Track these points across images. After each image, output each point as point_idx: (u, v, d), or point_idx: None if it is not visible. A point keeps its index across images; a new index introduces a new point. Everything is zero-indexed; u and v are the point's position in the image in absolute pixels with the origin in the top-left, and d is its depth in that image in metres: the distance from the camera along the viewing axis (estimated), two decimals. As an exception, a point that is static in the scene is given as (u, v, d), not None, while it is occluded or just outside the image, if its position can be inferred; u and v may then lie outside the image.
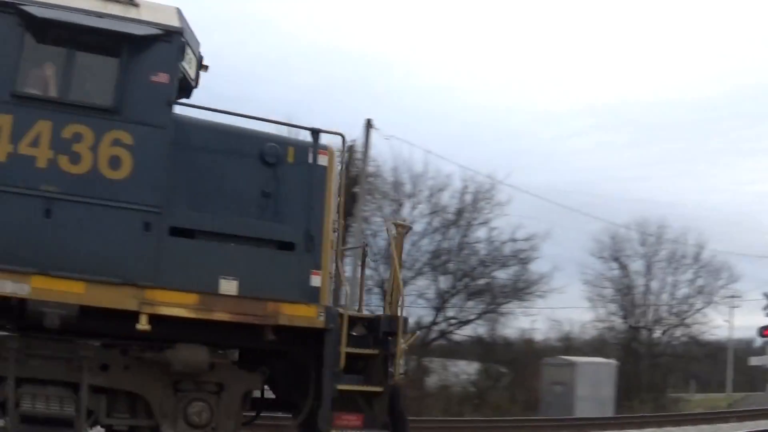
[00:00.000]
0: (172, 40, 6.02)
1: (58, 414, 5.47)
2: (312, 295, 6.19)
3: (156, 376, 5.89)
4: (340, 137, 6.75)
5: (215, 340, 6.06)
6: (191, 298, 5.75)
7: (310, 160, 6.60)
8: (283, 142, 6.63)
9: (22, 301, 5.39)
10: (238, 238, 6.04)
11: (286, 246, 6.20)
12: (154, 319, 5.66)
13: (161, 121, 5.89)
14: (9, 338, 5.52)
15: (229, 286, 5.88)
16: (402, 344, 6.56)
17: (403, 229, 7.18)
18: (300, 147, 6.66)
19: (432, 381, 22.74)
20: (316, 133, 6.49)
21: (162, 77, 5.94)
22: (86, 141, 5.66)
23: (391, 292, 6.97)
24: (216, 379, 6.06)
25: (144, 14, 6.10)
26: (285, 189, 6.46)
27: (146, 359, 5.86)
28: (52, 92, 5.75)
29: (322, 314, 6.14)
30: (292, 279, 6.14)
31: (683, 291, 30.65)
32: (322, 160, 6.67)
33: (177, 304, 5.69)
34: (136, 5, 6.21)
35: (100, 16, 5.84)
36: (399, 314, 6.71)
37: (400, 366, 6.56)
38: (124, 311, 5.58)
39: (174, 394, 5.95)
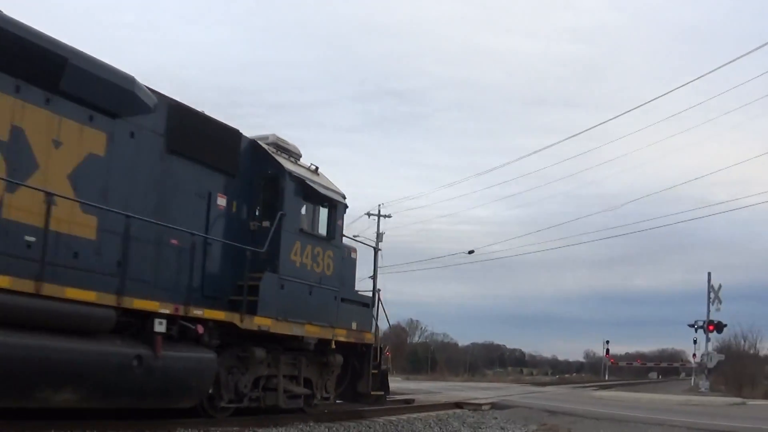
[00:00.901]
0: (344, 201, 11.90)
1: (303, 392, 10.94)
2: (371, 327, 12.92)
3: (318, 369, 11.70)
4: (376, 249, 13.41)
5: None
6: (344, 332, 11.84)
7: (352, 256, 13.20)
8: (347, 247, 12.99)
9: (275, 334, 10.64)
10: (354, 301, 12.31)
11: (366, 305, 12.74)
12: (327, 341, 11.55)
13: (340, 245, 11.79)
14: (282, 354, 10.65)
15: (354, 325, 12.17)
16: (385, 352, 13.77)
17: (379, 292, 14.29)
18: (349, 248, 13.15)
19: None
20: (375, 248, 13.12)
21: (340, 222, 11.81)
22: (320, 255, 11.19)
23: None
24: (334, 369, 12.17)
25: (321, 178, 11.77)
26: (345, 270, 12.92)
27: (317, 361, 11.60)
28: (309, 229, 10.99)
29: (375, 338, 12.92)
30: (368, 320, 12.74)
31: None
32: (355, 256, 13.34)
33: (342, 335, 11.74)
34: (317, 173, 11.82)
35: (327, 188, 11.34)
36: (378, 336, 13.84)
37: (387, 361, 13.77)
38: (323, 339, 11.35)
39: (321, 377, 11.85)
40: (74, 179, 7.82)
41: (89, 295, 7.38)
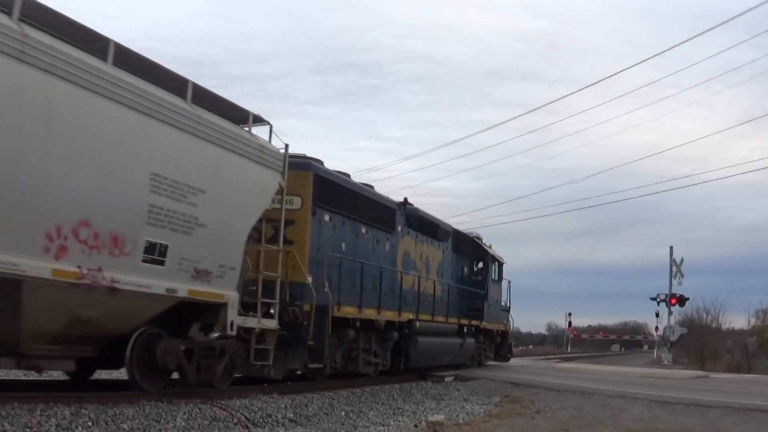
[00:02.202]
0: (503, 260, 23.56)
1: (491, 356, 22.75)
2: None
3: (490, 344, 23.39)
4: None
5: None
6: (502, 325, 23.66)
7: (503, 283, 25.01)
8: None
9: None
10: (503, 309, 24.06)
11: (507, 311, 24.51)
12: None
13: (501, 281, 23.48)
14: (484, 336, 22.28)
15: (504, 321, 23.97)
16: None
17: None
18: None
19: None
20: (509, 281, 24.80)
21: (498, 266, 23.45)
22: (497, 289, 22.94)
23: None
24: (495, 343, 23.87)
25: (493, 250, 23.37)
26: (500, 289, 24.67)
27: (489, 339, 23.24)
28: (494, 277, 22.58)
29: (507, 326, 24.74)
30: (507, 318, 24.56)
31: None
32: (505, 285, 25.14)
33: (502, 327, 23.55)
34: (490, 247, 23.44)
35: (498, 255, 22.92)
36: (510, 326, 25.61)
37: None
38: (497, 329, 23.03)
39: (489, 347, 23.56)
40: (437, 271, 19.19)
41: (454, 320, 18.92)
